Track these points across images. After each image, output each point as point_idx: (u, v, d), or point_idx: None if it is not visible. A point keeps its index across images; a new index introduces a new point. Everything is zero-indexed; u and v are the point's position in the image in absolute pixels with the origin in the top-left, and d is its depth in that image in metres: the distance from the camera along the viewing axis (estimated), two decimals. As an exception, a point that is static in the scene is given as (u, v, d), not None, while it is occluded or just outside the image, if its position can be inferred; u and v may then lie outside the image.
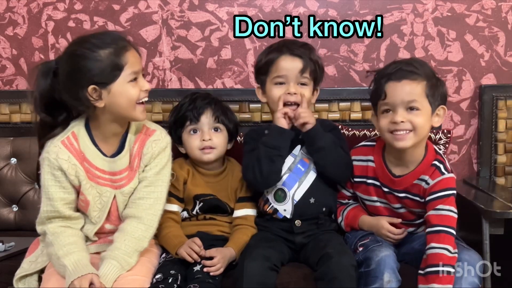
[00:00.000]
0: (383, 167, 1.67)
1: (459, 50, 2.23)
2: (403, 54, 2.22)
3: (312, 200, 1.74)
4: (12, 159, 2.13)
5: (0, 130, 2.22)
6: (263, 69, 1.76)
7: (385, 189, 1.68)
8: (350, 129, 2.07)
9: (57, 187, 1.57)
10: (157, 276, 1.57)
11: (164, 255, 1.70)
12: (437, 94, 1.59)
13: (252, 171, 1.70)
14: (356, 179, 1.73)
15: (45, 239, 1.59)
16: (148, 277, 1.57)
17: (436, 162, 1.61)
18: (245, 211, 1.80)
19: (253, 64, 2.24)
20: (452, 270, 1.50)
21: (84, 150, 1.59)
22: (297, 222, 1.73)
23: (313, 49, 1.78)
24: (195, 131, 1.79)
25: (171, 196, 1.75)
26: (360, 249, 1.63)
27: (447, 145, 2.02)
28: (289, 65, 1.71)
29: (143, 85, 1.55)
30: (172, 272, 1.58)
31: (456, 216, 1.56)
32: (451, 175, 1.60)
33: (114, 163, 1.62)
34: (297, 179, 1.75)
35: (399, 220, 1.67)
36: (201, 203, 1.79)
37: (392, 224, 1.68)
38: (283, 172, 1.74)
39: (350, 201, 1.82)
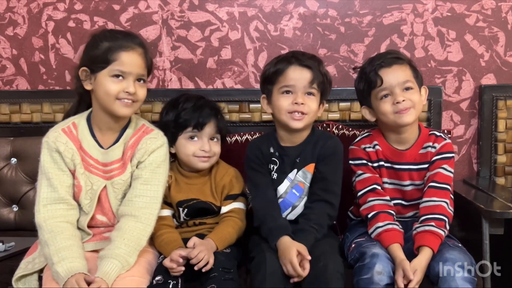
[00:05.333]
0: (388, 146, 1.78)
1: (459, 50, 2.23)
2: (403, 54, 2.22)
3: (303, 219, 1.72)
4: (12, 159, 2.13)
5: (0, 130, 2.22)
6: (270, 79, 1.76)
7: (396, 166, 1.77)
8: (350, 129, 2.07)
9: (56, 168, 1.64)
10: (157, 278, 1.56)
11: (163, 255, 1.69)
12: (419, 76, 1.78)
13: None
14: (374, 164, 1.78)
15: (40, 235, 1.59)
16: (146, 277, 1.57)
17: (434, 132, 1.79)
18: (232, 205, 1.78)
19: (253, 64, 2.25)
20: (446, 219, 1.65)
21: (81, 139, 1.67)
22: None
23: (322, 62, 1.79)
24: (193, 137, 1.77)
25: None
26: (353, 245, 1.68)
27: (447, 145, 2.02)
28: (298, 75, 1.71)
29: (127, 87, 1.61)
30: (173, 274, 1.56)
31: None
32: (450, 141, 1.79)
33: (107, 154, 1.67)
34: (291, 204, 1.77)
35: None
36: (185, 209, 1.77)
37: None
38: (278, 195, 1.77)
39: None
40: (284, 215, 1.76)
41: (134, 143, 1.68)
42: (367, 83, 1.74)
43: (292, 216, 1.76)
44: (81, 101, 1.74)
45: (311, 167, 1.76)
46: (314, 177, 1.76)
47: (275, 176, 1.78)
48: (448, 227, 1.65)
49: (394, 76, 1.70)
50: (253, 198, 1.79)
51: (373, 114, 1.77)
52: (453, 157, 1.75)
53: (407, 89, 1.71)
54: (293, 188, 1.77)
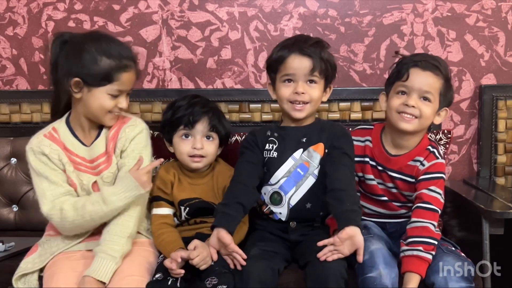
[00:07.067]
0: (380, 147, 1.75)
1: (459, 50, 2.23)
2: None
3: (308, 205, 1.71)
4: (12, 159, 2.13)
5: (0, 130, 2.22)
6: (273, 67, 1.75)
7: (380, 168, 1.74)
8: (350, 129, 2.06)
9: (49, 169, 1.65)
10: (157, 275, 1.56)
11: (163, 255, 1.69)
12: (448, 96, 1.72)
13: None
14: (356, 159, 1.75)
15: (67, 213, 1.59)
16: (146, 277, 1.57)
17: (430, 147, 1.72)
18: None
19: (253, 64, 2.25)
20: (435, 242, 1.60)
21: (64, 140, 1.69)
22: (292, 224, 1.72)
23: (325, 47, 1.74)
24: (187, 136, 1.76)
25: (161, 200, 1.75)
26: None
27: (447, 145, 2.02)
28: (298, 64, 1.69)
29: (121, 103, 1.66)
30: (173, 276, 1.56)
31: (443, 201, 1.67)
32: (444, 161, 1.73)
33: (91, 150, 1.69)
34: (295, 183, 1.72)
35: None
36: (187, 208, 1.76)
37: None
38: (281, 175, 1.72)
39: None
40: (288, 196, 1.72)
41: (114, 134, 1.71)
42: (396, 72, 1.71)
43: (296, 197, 1.71)
44: (64, 103, 1.71)
45: (318, 148, 1.72)
46: (330, 153, 1.71)
47: (275, 154, 1.74)
48: (435, 249, 1.60)
49: (421, 80, 1.65)
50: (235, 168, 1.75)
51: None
52: (442, 177, 1.68)
53: (425, 99, 1.66)
54: (298, 167, 1.72)
